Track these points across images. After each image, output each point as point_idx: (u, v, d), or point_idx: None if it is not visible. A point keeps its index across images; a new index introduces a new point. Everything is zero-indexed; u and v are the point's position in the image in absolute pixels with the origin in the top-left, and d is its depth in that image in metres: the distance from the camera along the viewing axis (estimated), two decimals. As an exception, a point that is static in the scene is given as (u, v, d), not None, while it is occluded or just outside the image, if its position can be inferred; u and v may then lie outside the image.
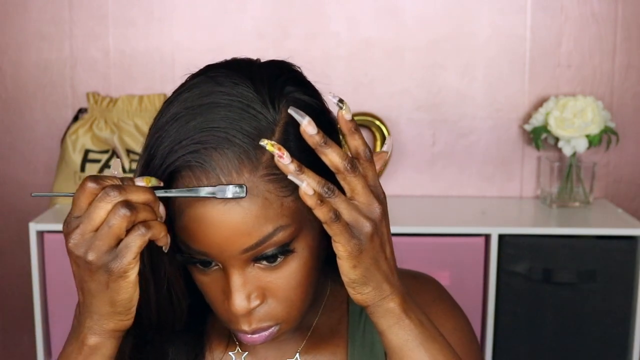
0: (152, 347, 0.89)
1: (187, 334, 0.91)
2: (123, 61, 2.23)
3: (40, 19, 2.23)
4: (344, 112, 0.74)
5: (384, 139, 2.19)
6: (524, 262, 1.95)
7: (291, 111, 0.73)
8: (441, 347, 0.79)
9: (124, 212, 0.72)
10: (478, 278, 1.98)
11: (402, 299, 0.78)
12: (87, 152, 2.15)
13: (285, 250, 0.79)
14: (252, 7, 2.23)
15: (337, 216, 0.72)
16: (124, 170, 2.14)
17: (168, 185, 0.78)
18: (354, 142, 0.75)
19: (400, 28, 2.23)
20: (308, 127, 0.72)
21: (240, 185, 0.74)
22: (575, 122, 2.10)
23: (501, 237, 1.95)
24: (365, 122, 2.21)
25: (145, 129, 2.15)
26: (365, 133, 2.22)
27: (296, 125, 0.76)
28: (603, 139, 2.16)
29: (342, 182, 0.74)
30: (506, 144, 2.27)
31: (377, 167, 0.79)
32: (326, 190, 0.72)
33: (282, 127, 0.78)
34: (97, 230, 0.73)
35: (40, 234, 1.95)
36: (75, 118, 2.19)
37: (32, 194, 0.81)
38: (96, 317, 0.77)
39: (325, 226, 0.73)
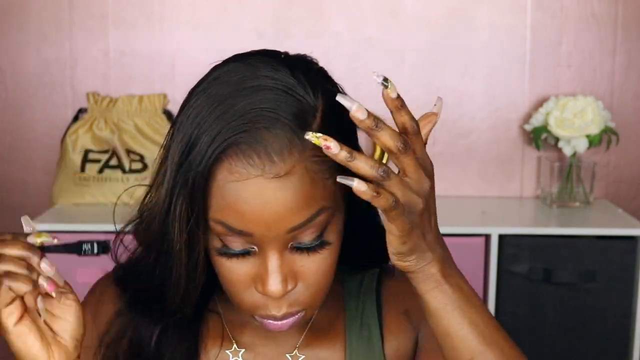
0: (148, 348, 0.90)
1: (183, 334, 0.91)
2: (123, 61, 2.24)
3: (40, 19, 2.23)
4: (389, 90, 0.73)
5: (384, 139, 2.20)
6: (524, 262, 1.95)
7: (340, 98, 0.72)
8: (478, 311, 0.79)
9: None
10: (478, 278, 1.98)
11: (442, 265, 0.78)
12: (87, 152, 2.15)
13: (323, 242, 0.81)
14: (252, 7, 2.23)
15: (397, 202, 0.71)
16: (123, 171, 2.14)
17: (213, 168, 0.77)
18: (401, 118, 0.74)
19: (400, 28, 2.23)
20: (358, 112, 0.72)
21: (102, 244, 0.79)
22: (576, 122, 2.10)
23: (501, 237, 1.95)
24: (365, 122, 2.21)
25: (146, 129, 2.15)
26: (364, 133, 2.22)
27: (332, 111, 0.80)
28: (603, 139, 2.16)
29: (395, 162, 0.74)
30: (506, 144, 2.27)
31: (427, 130, 0.78)
32: (382, 172, 0.71)
33: (322, 114, 0.80)
34: None
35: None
36: (75, 118, 2.19)
37: None
38: None
39: (383, 213, 0.72)
